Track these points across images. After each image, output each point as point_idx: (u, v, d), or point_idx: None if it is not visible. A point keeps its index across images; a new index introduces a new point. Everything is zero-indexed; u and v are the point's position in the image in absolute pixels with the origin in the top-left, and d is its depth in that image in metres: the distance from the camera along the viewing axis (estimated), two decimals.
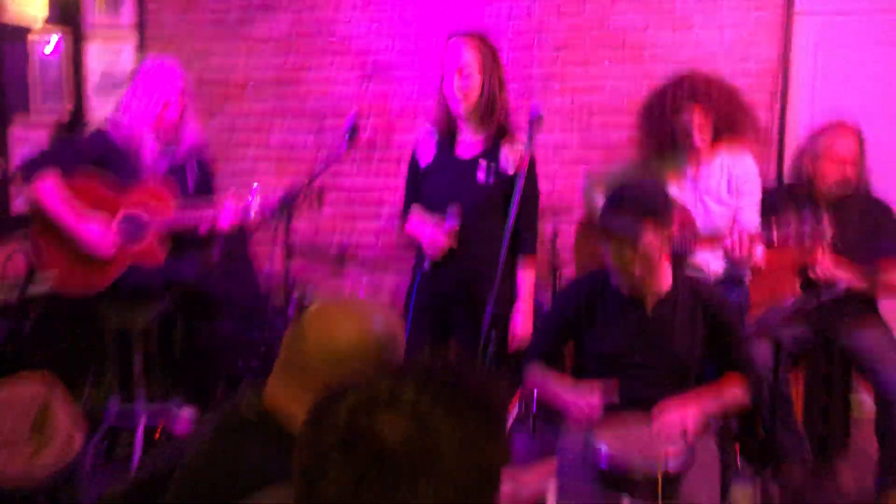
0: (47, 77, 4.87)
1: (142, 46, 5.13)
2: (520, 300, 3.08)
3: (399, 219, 3.24)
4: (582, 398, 2.43)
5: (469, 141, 3.08)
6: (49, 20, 4.87)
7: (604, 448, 2.23)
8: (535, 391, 2.68)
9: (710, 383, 2.52)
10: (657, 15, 4.62)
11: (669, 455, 2.18)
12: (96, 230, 3.41)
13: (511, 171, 2.99)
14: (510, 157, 3.03)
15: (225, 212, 3.39)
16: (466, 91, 2.98)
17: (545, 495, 1.80)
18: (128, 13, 5.15)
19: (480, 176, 3.01)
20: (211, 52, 5.11)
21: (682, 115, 3.27)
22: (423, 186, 3.13)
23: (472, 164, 3.03)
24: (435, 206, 3.08)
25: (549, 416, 3.89)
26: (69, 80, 5.06)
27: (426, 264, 3.02)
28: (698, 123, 3.26)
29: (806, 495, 3.36)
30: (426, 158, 3.12)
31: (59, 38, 4.96)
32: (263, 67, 5.08)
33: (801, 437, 3.42)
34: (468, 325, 3.02)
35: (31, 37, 4.73)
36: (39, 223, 3.46)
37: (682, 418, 2.34)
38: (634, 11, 4.64)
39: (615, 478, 2.21)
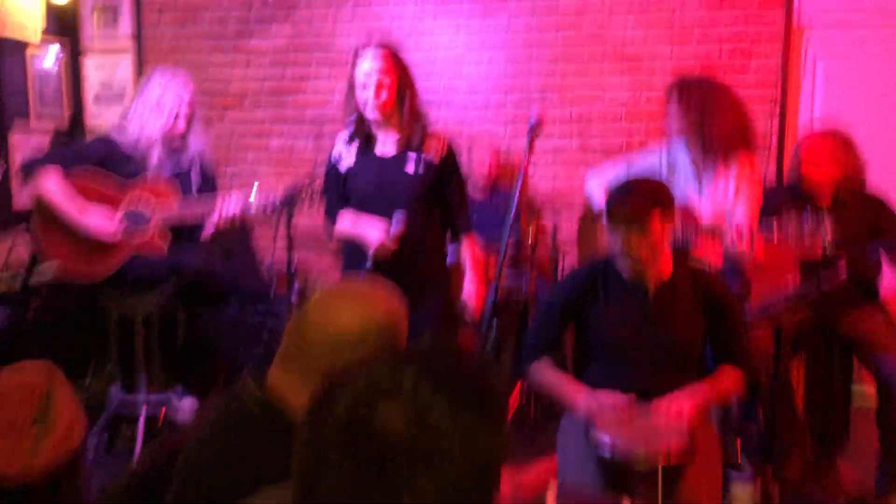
0: (46, 89, 4.87)
1: (140, 59, 5.14)
2: (469, 273, 3.23)
3: (325, 221, 3.28)
4: (601, 399, 2.41)
5: (388, 142, 3.16)
6: (47, 34, 4.87)
7: (606, 441, 2.23)
8: (541, 388, 2.65)
9: (706, 378, 2.53)
10: (655, 28, 4.63)
11: (671, 447, 2.19)
12: (99, 217, 3.43)
13: (437, 161, 3.12)
14: (433, 147, 3.14)
15: (227, 203, 3.43)
16: (384, 99, 3.06)
17: (545, 496, 1.78)
18: (126, 27, 5.16)
19: (409, 168, 3.10)
20: (209, 64, 5.12)
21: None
22: (351, 187, 3.20)
23: (399, 158, 3.12)
24: (366, 203, 3.14)
25: (549, 410, 3.91)
26: (68, 91, 5.07)
27: (368, 263, 3.08)
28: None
29: (805, 492, 3.35)
30: (346, 162, 3.20)
31: (58, 52, 4.97)
32: (262, 78, 5.10)
33: (801, 429, 3.42)
34: (418, 306, 3.06)
35: (29, 50, 4.73)
36: (42, 216, 3.47)
37: (679, 409, 2.35)
38: (633, 24, 4.65)
39: (617, 470, 2.22)
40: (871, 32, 4.45)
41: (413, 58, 3.22)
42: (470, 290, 3.21)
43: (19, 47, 4.68)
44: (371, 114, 3.07)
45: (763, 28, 4.52)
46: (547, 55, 4.77)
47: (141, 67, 5.09)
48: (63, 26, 5.05)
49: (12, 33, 4.60)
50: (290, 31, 5.03)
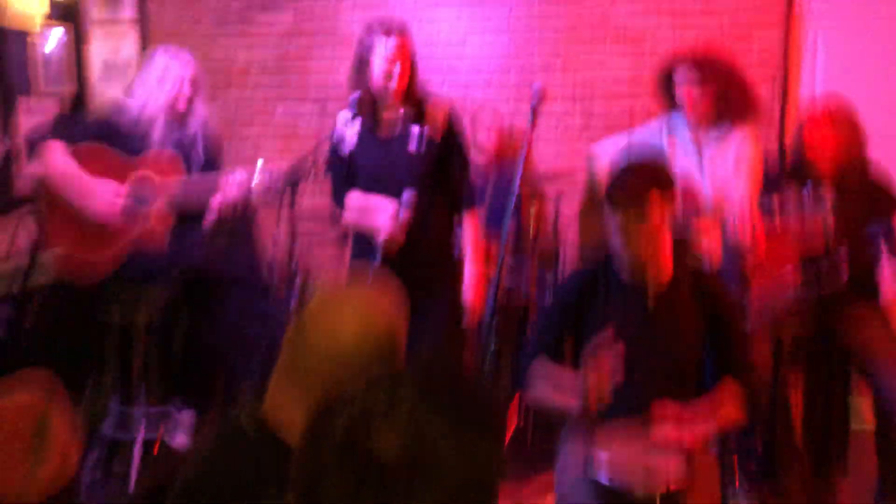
0: (50, 71, 4.88)
1: (143, 39, 5.14)
2: (468, 266, 3.17)
3: (332, 207, 3.26)
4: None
5: (391, 120, 3.15)
6: (51, 14, 4.87)
7: (603, 466, 2.22)
8: (539, 392, 2.60)
9: (707, 396, 2.48)
10: (657, 1, 4.61)
11: (669, 473, 2.17)
12: (105, 192, 3.41)
13: (438, 137, 3.11)
14: (434, 120, 3.13)
15: (230, 182, 3.40)
16: (401, 84, 3.07)
17: None
18: (129, 7, 5.15)
19: (412, 147, 3.10)
20: (213, 44, 5.12)
21: (681, 86, 3.33)
22: (355, 169, 3.18)
23: (401, 138, 3.12)
24: (371, 183, 3.14)
25: (548, 429, 3.91)
26: (71, 72, 5.08)
27: (378, 256, 3.05)
28: (694, 95, 3.31)
29: None
30: (349, 144, 3.18)
31: (62, 33, 4.97)
32: (265, 57, 5.10)
33: (799, 451, 3.40)
34: (427, 308, 3.04)
35: (33, 31, 4.73)
36: (45, 200, 3.45)
37: (679, 435, 2.31)
38: (634, 1, 4.63)
39: (615, 496, 2.20)
40: (871, 4, 4.43)
41: (415, 37, 3.22)
42: (469, 290, 3.16)
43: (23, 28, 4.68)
44: (387, 97, 3.08)
45: (764, 1, 4.50)
46: (549, 33, 4.76)
47: (145, 45, 5.09)
48: (67, 5, 5.04)
49: (16, 14, 4.59)
50: (294, 11, 5.03)
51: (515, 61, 4.82)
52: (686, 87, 3.32)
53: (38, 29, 4.75)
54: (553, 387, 2.52)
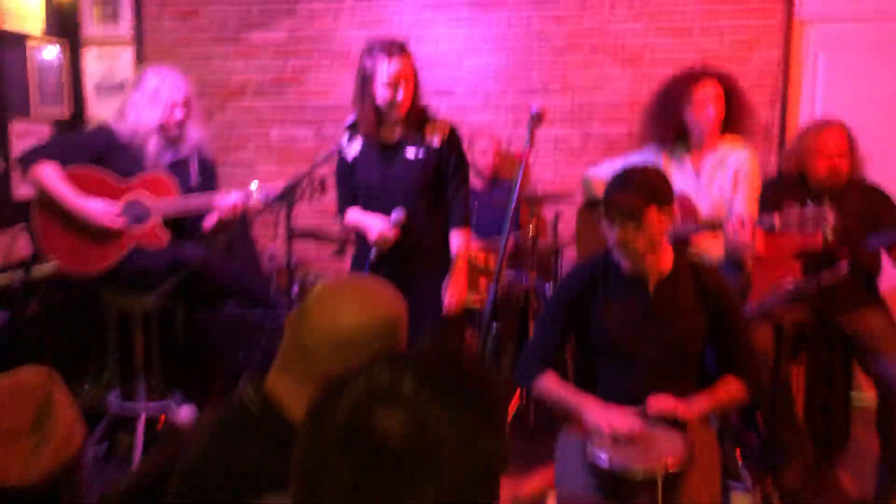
0: (46, 83, 4.86)
1: (140, 55, 5.13)
2: (453, 270, 3.25)
3: (337, 211, 3.38)
4: (614, 417, 2.35)
5: (392, 130, 3.24)
6: (47, 29, 4.85)
7: (603, 452, 2.22)
8: (546, 400, 2.61)
9: (708, 388, 2.49)
10: (657, 22, 4.62)
11: (669, 457, 2.16)
12: (100, 204, 3.44)
13: (437, 145, 3.20)
14: (434, 131, 3.22)
15: (226, 197, 3.44)
16: (406, 101, 3.15)
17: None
18: (126, 22, 5.14)
19: (410, 154, 3.20)
20: (211, 58, 5.11)
21: (698, 88, 3.30)
22: (357, 176, 3.29)
23: (400, 145, 3.22)
24: (371, 191, 3.26)
25: (549, 415, 3.91)
26: (68, 85, 5.06)
27: (372, 254, 3.17)
28: (715, 94, 3.30)
29: (805, 500, 3.33)
30: (352, 152, 3.29)
31: (58, 47, 4.95)
32: (263, 72, 5.08)
33: (801, 434, 3.41)
34: (419, 306, 3.05)
35: (29, 44, 4.71)
36: (43, 206, 3.46)
37: (674, 407, 2.33)
38: (634, 18, 4.64)
39: (615, 481, 2.19)
40: (871, 26, 4.44)
41: (413, 51, 3.23)
42: (449, 290, 3.22)
43: (19, 41, 4.66)
44: (392, 113, 3.15)
45: (764, 21, 4.51)
46: (548, 48, 4.76)
47: (141, 62, 5.08)
48: (63, 22, 5.03)
49: (12, 28, 4.58)
50: (291, 24, 5.02)
51: (514, 76, 4.82)
52: (709, 103, 3.31)
53: (36, 36, 4.73)
54: (559, 403, 2.54)
